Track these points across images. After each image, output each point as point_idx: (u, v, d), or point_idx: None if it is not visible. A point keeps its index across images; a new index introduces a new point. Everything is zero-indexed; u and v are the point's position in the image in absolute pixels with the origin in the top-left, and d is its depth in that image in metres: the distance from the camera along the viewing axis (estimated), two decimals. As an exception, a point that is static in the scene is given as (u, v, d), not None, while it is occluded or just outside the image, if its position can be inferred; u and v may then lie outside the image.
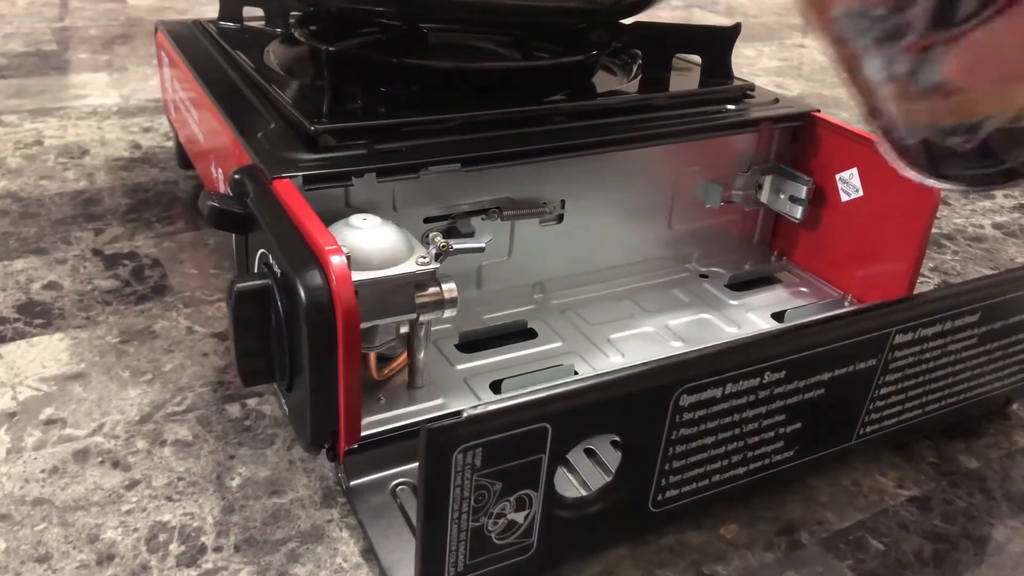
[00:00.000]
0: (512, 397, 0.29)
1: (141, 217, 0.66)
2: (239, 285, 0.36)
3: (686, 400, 0.32)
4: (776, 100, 0.55)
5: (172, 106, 0.70)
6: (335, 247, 0.35)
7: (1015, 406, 0.48)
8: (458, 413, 0.28)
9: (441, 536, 0.30)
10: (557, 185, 0.49)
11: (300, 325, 0.34)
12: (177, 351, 0.50)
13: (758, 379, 0.33)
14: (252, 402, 0.46)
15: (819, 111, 0.53)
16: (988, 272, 0.63)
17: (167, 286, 0.57)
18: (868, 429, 0.39)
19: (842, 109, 0.97)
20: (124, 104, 0.91)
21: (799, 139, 0.54)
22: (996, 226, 0.71)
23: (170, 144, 0.80)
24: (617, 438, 0.32)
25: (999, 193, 0.77)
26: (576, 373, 0.46)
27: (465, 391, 0.44)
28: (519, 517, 0.31)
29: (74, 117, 0.86)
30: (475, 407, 0.28)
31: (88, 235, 0.63)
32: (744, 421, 0.34)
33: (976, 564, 0.38)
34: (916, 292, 0.51)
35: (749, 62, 1.16)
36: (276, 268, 0.37)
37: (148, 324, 0.53)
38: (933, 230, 0.65)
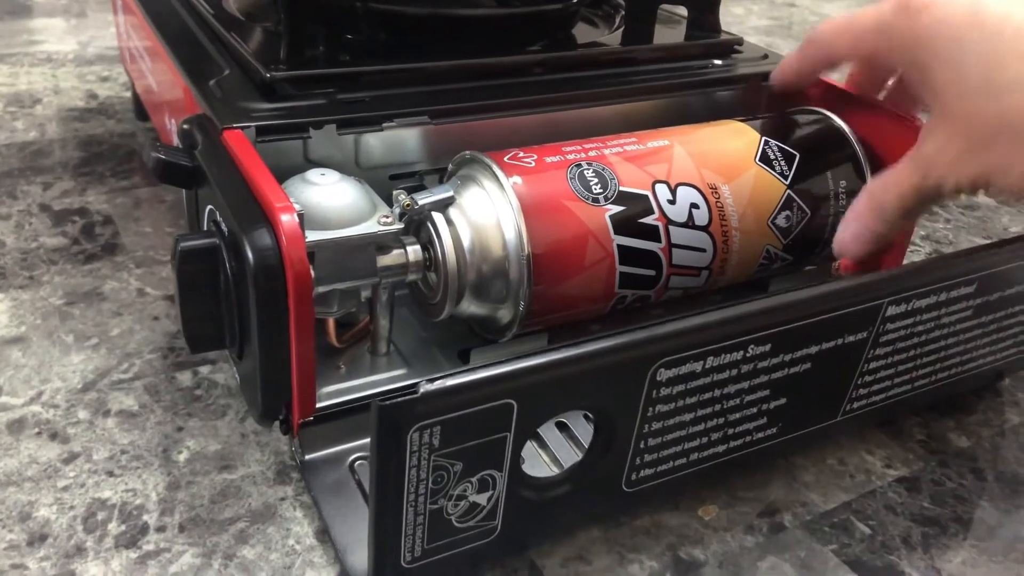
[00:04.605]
0: (474, 370, 0.26)
1: (94, 171, 0.62)
2: (183, 244, 0.33)
3: (664, 375, 0.29)
4: (765, 56, 0.52)
5: (127, 54, 0.66)
6: (286, 204, 0.32)
7: (1007, 381, 0.46)
8: (413, 388, 0.25)
9: (396, 521, 0.27)
10: (532, 140, 0.46)
11: (248, 289, 0.32)
12: (126, 314, 0.47)
13: (741, 352, 0.31)
14: (204, 370, 0.43)
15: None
16: (981, 241, 0.61)
17: (119, 244, 0.54)
18: (855, 405, 0.37)
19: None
20: (81, 51, 0.86)
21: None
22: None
23: (129, 95, 0.76)
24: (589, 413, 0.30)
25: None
26: (549, 342, 0.43)
27: (432, 359, 0.41)
28: (482, 499, 0.29)
29: (27, 64, 0.82)
30: (432, 380, 0.26)
31: (36, 189, 0.59)
32: (725, 397, 0.32)
33: (966, 550, 0.36)
34: (908, 261, 0.49)
35: (738, 20, 1.12)
36: (224, 226, 0.34)
37: (96, 285, 0.49)
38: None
